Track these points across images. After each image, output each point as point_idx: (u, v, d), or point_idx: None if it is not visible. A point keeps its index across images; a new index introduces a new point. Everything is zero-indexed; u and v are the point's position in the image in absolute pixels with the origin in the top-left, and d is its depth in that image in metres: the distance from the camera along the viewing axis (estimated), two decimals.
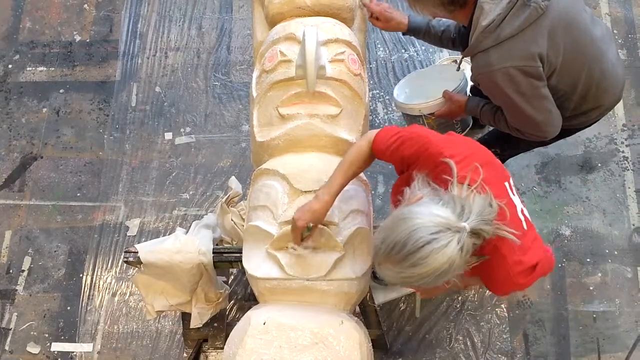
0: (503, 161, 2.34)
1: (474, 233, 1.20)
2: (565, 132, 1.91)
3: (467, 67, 2.72)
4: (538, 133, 1.82)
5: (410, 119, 2.23)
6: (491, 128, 2.36)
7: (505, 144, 2.17)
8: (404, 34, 2.05)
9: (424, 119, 2.17)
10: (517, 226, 1.32)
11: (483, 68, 1.71)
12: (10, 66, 3.03)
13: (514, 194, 1.40)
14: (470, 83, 2.20)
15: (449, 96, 2.06)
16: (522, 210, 1.40)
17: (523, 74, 1.67)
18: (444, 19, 1.89)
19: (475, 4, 1.67)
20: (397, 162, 1.48)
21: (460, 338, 2.44)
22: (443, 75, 2.28)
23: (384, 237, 1.23)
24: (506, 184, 1.40)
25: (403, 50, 2.99)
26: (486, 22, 1.64)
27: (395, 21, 1.98)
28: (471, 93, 2.19)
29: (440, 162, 1.32)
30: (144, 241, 2.10)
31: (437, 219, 1.18)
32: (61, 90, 2.98)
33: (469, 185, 1.27)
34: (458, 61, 2.04)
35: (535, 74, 1.68)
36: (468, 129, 2.28)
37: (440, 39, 2.01)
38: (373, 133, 1.53)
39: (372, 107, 2.86)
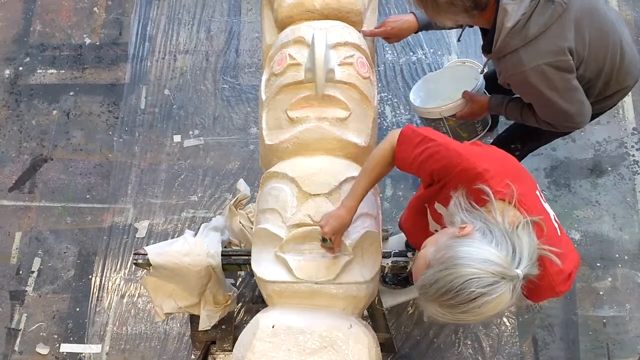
0: (523, 157, 2.34)
1: (524, 277, 1.18)
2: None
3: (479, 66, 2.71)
4: (570, 124, 1.82)
5: (430, 122, 2.21)
6: (506, 125, 2.35)
7: (525, 139, 2.16)
8: (415, 33, 2.03)
9: (444, 121, 2.15)
10: (553, 235, 1.31)
11: (514, 69, 1.70)
12: (20, 69, 3.06)
13: (544, 201, 1.39)
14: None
15: (469, 97, 2.05)
16: (554, 217, 1.38)
17: (555, 69, 1.67)
18: None
19: (496, 6, 1.67)
20: (426, 175, 1.44)
21: (469, 342, 2.42)
22: (456, 75, 2.27)
23: (434, 278, 1.16)
24: (537, 192, 1.38)
25: (411, 53, 2.98)
26: (511, 23, 1.64)
27: (405, 27, 1.98)
28: (487, 90, 2.18)
29: (475, 177, 1.29)
30: (153, 243, 2.10)
31: (492, 268, 1.13)
32: (71, 93, 3.00)
33: (509, 202, 1.26)
34: (483, 64, 2.02)
35: (567, 67, 1.68)
36: (488, 127, 2.27)
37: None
38: (395, 135, 1.49)
39: (380, 110, 2.85)
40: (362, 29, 1.99)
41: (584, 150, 2.75)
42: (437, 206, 1.44)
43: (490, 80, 2.13)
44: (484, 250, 1.15)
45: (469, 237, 1.19)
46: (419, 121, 2.83)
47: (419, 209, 1.53)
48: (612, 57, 1.78)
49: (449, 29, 2.05)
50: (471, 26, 1.98)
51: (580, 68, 1.73)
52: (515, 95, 1.94)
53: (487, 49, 1.78)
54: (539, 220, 1.26)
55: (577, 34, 1.67)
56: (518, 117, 1.91)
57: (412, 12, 1.98)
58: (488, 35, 1.75)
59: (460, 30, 2.02)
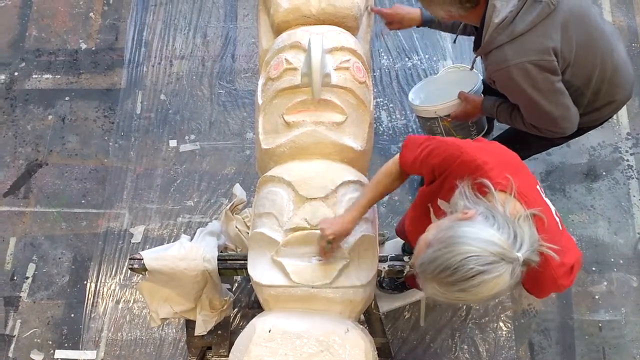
0: None
1: (524, 263, 1.18)
2: (578, 131, 1.91)
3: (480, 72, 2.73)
4: (556, 129, 1.82)
5: (425, 121, 2.24)
6: (501, 131, 2.36)
7: (516, 146, 2.16)
8: (417, 27, 2.08)
9: (439, 121, 2.18)
10: (554, 229, 1.31)
11: (498, 64, 1.72)
12: (16, 74, 3.05)
13: (545, 196, 1.39)
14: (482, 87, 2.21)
15: (464, 97, 2.07)
16: (555, 212, 1.39)
17: (538, 68, 1.68)
18: None
19: (486, 3, 1.69)
20: (428, 172, 1.46)
21: (465, 347, 2.42)
22: (457, 80, 2.29)
23: (433, 256, 1.16)
24: (538, 187, 1.39)
25: (407, 59, 3.00)
26: (499, 19, 1.67)
27: (408, 18, 2.04)
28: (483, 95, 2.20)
29: (474, 169, 1.31)
30: (148, 248, 2.10)
31: (492, 248, 1.13)
32: (67, 98, 2.99)
33: (509, 193, 1.26)
34: (472, 60, 2.04)
35: (550, 68, 1.69)
36: (483, 132, 2.29)
37: (452, 26, 2.04)
38: (398, 156, 1.56)
39: (376, 115, 2.86)
40: (358, 34, 2.01)
41: (578, 154, 2.76)
42: (440, 202, 1.45)
43: (488, 86, 2.15)
44: (485, 231, 1.15)
45: (471, 219, 1.19)
46: (414, 126, 2.85)
47: (422, 210, 1.53)
48: (602, 66, 1.78)
49: (444, 29, 2.07)
50: (464, 32, 2.01)
51: (567, 73, 1.74)
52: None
53: (476, 44, 1.81)
54: (539, 212, 1.26)
55: (564, 36, 1.69)
56: (508, 119, 1.94)
57: (419, 7, 2.03)
58: (477, 31, 1.78)
59: (456, 34, 2.04)
